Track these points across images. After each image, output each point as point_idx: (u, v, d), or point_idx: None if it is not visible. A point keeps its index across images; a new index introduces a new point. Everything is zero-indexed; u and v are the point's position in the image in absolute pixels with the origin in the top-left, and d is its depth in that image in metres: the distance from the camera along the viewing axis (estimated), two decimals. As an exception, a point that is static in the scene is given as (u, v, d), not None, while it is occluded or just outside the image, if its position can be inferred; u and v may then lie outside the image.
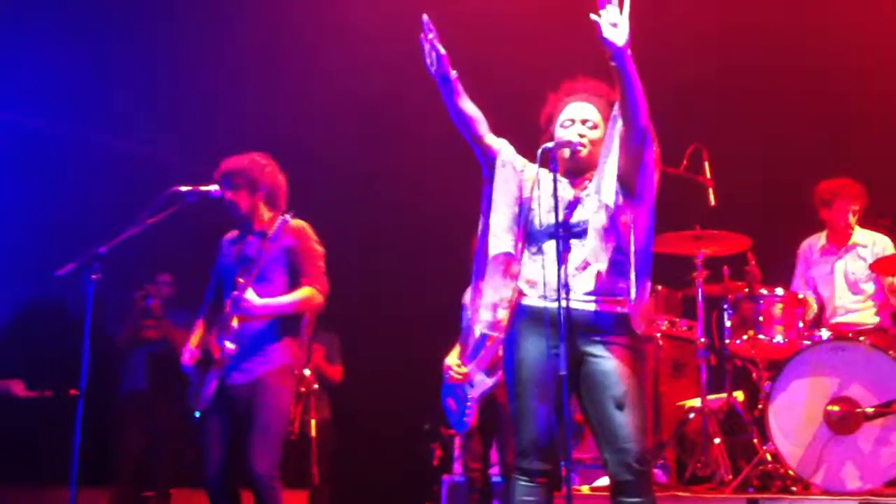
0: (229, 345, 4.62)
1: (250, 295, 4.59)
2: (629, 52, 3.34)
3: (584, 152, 3.65)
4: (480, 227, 3.75)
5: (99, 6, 7.81)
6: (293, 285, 4.76)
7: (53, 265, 4.47)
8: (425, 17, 3.57)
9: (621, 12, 3.31)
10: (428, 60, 3.61)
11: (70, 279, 4.44)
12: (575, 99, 3.72)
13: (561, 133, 3.68)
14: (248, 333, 4.67)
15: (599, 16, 3.30)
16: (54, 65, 7.88)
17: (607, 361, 3.49)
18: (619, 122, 3.50)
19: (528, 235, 3.68)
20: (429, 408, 6.03)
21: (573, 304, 3.51)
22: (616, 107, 3.51)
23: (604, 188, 3.52)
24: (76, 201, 7.84)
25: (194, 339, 4.84)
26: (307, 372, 7.19)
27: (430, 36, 3.57)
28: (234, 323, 4.63)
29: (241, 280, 4.62)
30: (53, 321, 7.39)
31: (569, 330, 3.44)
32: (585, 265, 3.55)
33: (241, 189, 4.84)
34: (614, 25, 3.30)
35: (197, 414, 4.69)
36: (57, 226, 7.65)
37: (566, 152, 3.60)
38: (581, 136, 3.65)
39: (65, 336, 5.70)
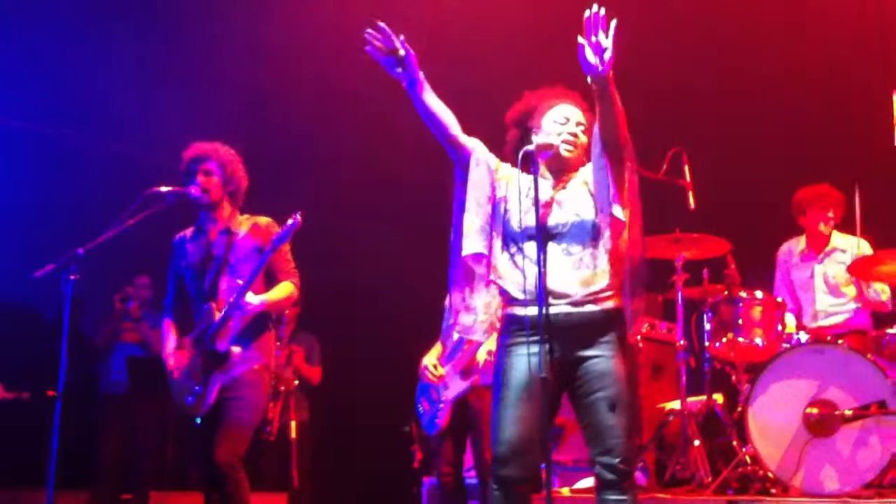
0: (235, 349, 4.58)
1: (249, 297, 4.57)
2: (611, 74, 3.35)
3: (573, 152, 3.67)
4: (453, 228, 3.73)
5: (93, 6, 7.77)
6: (269, 283, 4.73)
7: (31, 266, 4.43)
8: (380, 23, 3.55)
9: (607, 36, 3.30)
10: (392, 62, 3.57)
11: (48, 280, 4.41)
12: (564, 101, 3.73)
13: (553, 128, 3.68)
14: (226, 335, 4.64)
15: (588, 39, 3.29)
16: (46, 65, 7.82)
17: (604, 362, 3.50)
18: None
19: (506, 237, 3.67)
20: (409, 410, 6.00)
21: (566, 308, 3.53)
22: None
23: (598, 193, 3.55)
24: (55, 202, 7.78)
25: (171, 345, 4.79)
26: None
27: (400, 38, 3.54)
28: (231, 324, 4.59)
29: (239, 282, 4.58)
30: (31, 322, 7.34)
31: (563, 332, 3.46)
32: (574, 267, 3.56)
33: (214, 176, 4.75)
34: (600, 50, 3.29)
35: (198, 420, 4.64)
36: (34, 227, 7.59)
37: (550, 152, 3.63)
38: (573, 135, 3.68)
39: (43, 337, 5.65)
